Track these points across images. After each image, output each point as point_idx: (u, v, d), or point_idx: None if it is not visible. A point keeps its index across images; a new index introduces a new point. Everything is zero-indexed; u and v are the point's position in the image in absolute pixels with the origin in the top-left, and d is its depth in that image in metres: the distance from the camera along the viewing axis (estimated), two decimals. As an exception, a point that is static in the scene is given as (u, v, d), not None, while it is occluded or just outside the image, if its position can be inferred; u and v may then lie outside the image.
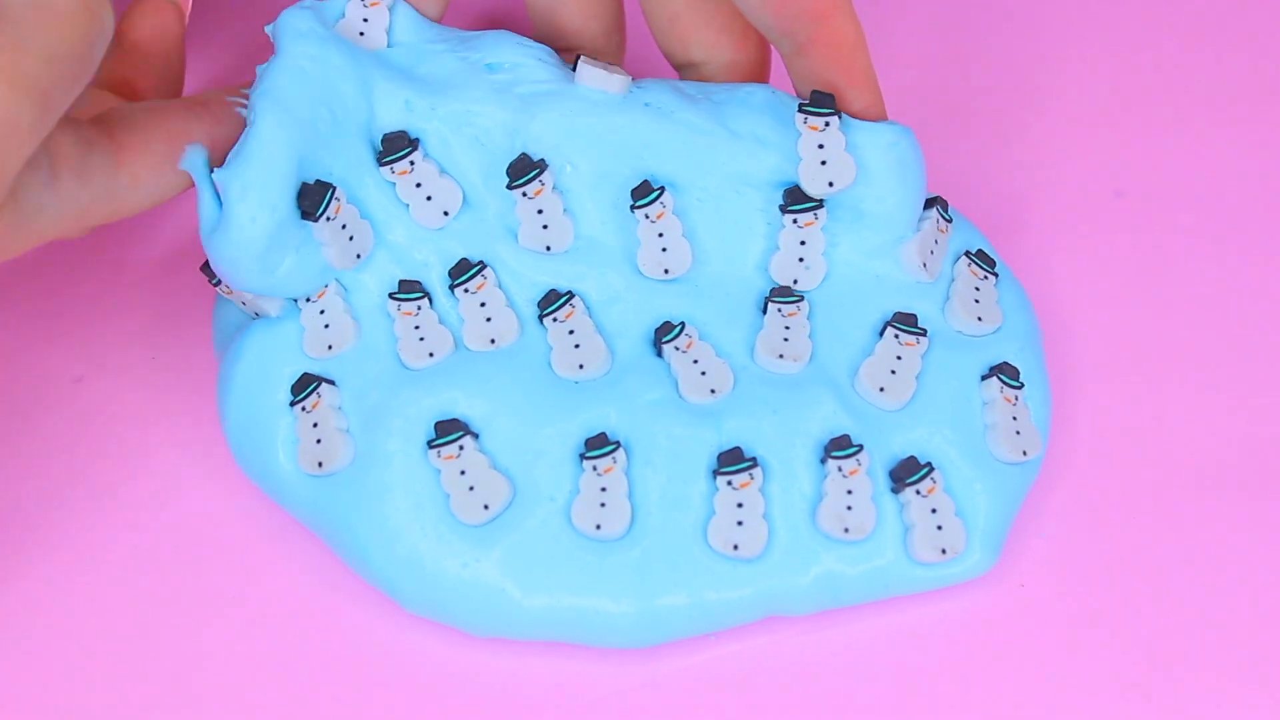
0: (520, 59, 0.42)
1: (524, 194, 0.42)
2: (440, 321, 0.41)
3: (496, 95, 0.41)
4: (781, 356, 0.41)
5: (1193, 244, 0.50)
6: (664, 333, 0.41)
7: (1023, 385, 0.42)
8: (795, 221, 0.42)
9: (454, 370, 0.41)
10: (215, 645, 0.40)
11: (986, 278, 0.44)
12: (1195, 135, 0.53)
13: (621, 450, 0.39)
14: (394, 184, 0.41)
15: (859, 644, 0.40)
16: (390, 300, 0.41)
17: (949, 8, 0.57)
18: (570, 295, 0.42)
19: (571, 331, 0.41)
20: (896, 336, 0.42)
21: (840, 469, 0.39)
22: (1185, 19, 0.57)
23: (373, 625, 0.40)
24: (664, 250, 0.42)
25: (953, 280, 0.44)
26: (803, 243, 0.42)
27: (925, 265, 0.43)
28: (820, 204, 0.42)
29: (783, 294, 0.42)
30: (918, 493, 0.40)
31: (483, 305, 0.41)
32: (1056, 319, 0.47)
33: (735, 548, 0.39)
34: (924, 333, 0.42)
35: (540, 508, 0.39)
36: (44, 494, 0.43)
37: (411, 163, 0.41)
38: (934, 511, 0.40)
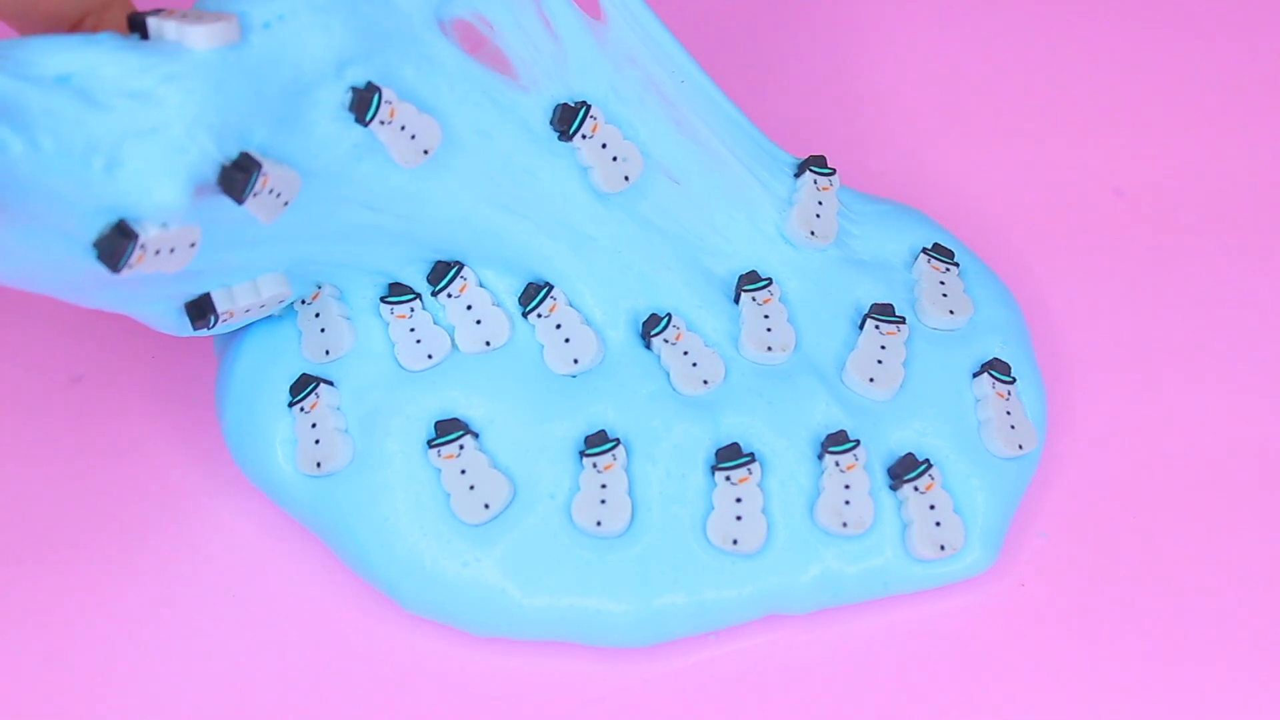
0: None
1: None
2: (434, 322, 0.41)
3: None
4: (770, 349, 0.41)
5: (1191, 241, 0.50)
6: (651, 325, 0.41)
7: (1014, 380, 0.42)
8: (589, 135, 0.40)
9: (453, 370, 0.41)
10: (214, 645, 0.40)
11: (949, 269, 0.44)
12: (1194, 134, 0.53)
13: (621, 447, 0.39)
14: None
15: (859, 643, 0.40)
16: (382, 304, 0.41)
17: (953, 7, 0.58)
18: (549, 287, 0.41)
19: (559, 326, 0.41)
20: (877, 327, 0.42)
21: (838, 464, 0.40)
22: (1185, 18, 0.57)
23: (372, 625, 0.40)
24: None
25: (916, 281, 0.44)
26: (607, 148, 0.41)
27: (814, 233, 0.43)
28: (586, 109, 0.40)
29: (751, 280, 0.42)
30: (915, 489, 0.40)
31: (469, 308, 0.41)
32: (1055, 316, 0.47)
33: (734, 542, 0.39)
34: (903, 320, 0.42)
35: (540, 505, 0.39)
36: (43, 494, 0.43)
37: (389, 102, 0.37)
38: (932, 508, 0.40)
